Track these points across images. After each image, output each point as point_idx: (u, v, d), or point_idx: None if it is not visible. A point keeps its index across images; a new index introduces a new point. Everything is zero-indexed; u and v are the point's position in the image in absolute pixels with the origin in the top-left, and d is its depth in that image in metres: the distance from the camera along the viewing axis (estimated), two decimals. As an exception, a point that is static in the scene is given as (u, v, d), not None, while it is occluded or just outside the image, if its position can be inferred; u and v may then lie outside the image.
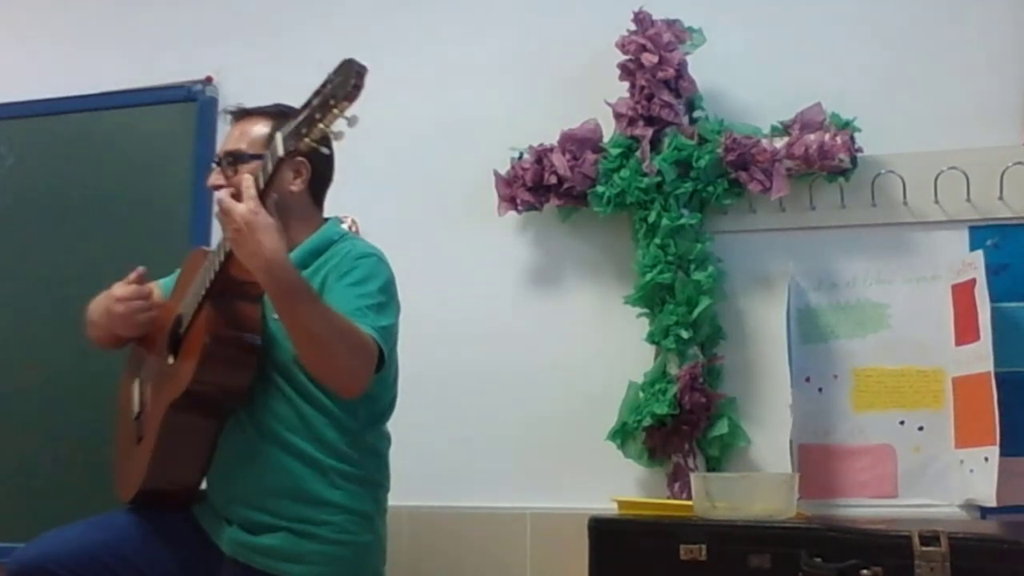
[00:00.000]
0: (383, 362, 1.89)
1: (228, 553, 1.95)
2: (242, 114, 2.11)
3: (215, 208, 1.84)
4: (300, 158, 1.95)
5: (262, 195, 1.80)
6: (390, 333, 1.94)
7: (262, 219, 1.77)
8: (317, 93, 1.69)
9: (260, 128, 2.05)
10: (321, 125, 1.67)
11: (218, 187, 2.00)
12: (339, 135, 1.70)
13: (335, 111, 1.65)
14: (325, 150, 1.76)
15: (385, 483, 2.07)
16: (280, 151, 1.75)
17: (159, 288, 2.20)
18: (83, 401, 2.82)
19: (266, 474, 1.94)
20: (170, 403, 1.92)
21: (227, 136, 2.11)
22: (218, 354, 1.89)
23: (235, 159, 2.03)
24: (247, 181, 1.81)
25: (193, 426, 1.96)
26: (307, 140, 1.70)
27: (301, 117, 1.70)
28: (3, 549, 2.17)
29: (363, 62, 1.65)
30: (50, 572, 1.88)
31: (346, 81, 1.64)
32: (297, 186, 2.04)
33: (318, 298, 1.83)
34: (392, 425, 2.10)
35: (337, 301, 1.87)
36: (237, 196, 1.80)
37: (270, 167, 1.78)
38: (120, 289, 2.03)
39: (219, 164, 2.07)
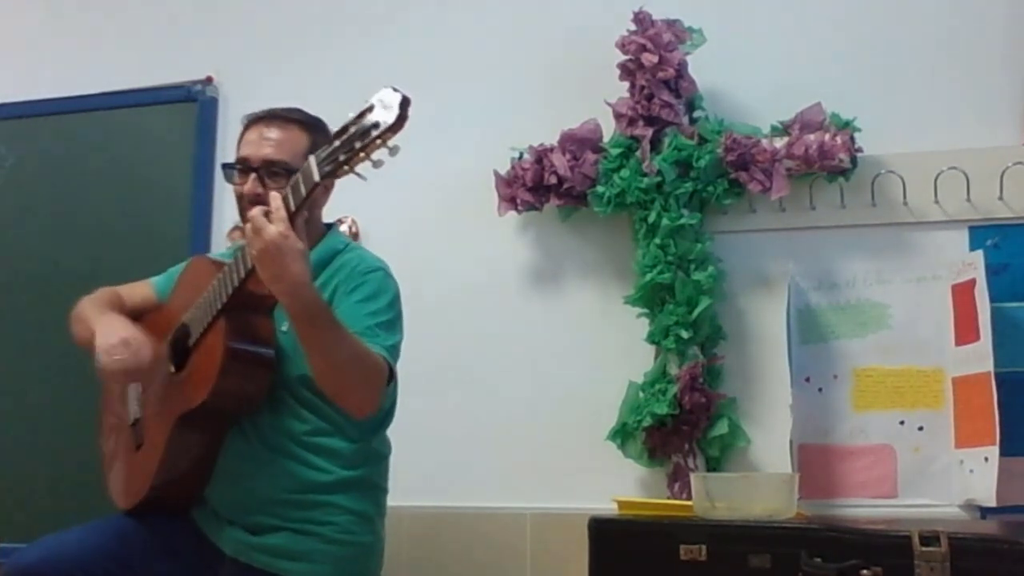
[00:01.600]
0: (391, 378, 1.91)
1: (229, 553, 1.95)
2: (272, 118, 2.03)
3: (248, 227, 1.77)
4: None
5: (292, 217, 1.75)
6: (398, 350, 1.96)
7: (291, 243, 1.72)
8: (356, 121, 1.65)
9: (303, 140, 2.00)
10: (363, 154, 1.64)
11: (257, 196, 1.93)
12: (379, 163, 1.66)
13: (378, 141, 1.63)
14: (364, 178, 1.71)
15: (385, 486, 2.08)
16: (316, 176, 1.70)
17: (152, 287, 2.18)
18: (83, 401, 2.81)
19: (271, 483, 1.94)
20: (181, 415, 1.91)
21: (256, 141, 2.01)
22: (236, 369, 1.88)
23: (287, 171, 1.93)
24: (276, 202, 1.76)
25: (202, 437, 1.96)
26: (346, 168, 1.67)
27: (338, 143, 1.66)
28: (3, 549, 2.17)
29: (404, 90, 1.63)
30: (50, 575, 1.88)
31: (390, 112, 1.61)
32: (321, 202, 2.03)
33: (338, 323, 1.81)
34: (393, 425, 2.09)
35: (347, 318, 1.86)
36: (266, 214, 1.75)
37: (303, 191, 1.74)
38: (134, 356, 1.93)
39: (255, 171, 1.98)
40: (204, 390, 1.87)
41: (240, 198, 1.99)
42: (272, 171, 1.97)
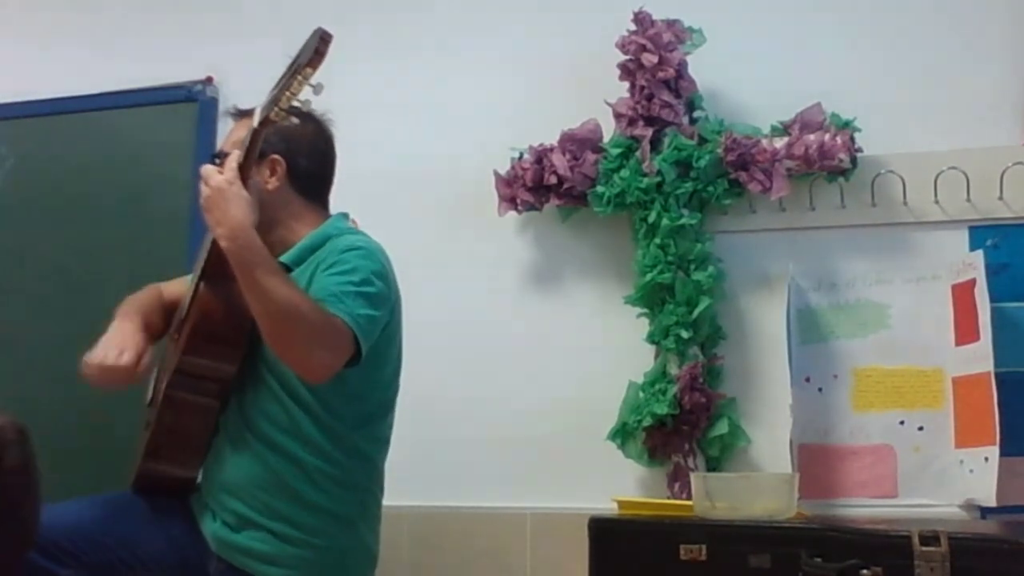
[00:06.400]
0: (360, 353, 1.85)
1: (213, 549, 1.95)
2: (244, 113, 2.09)
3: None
4: (275, 156, 2.00)
5: (243, 169, 1.85)
6: (371, 323, 1.87)
7: (235, 189, 1.83)
8: (289, 66, 1.74)
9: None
10: (288, 93, 1.73)
11: None
12: (306, 103, 1.75)
13: (299, 78, 1.71)
14: (295, 120, 1.80)
15: (373, 488, 2.03)
16: (255, 123, 1.81)
17: (186, 284, 2.20)
18: (86, 398, 2.81)
19: (249, 467, 1.93)
20: (167, 383, 1.94)
21: (228, 134, 2.13)
22: (206, 333, 1.91)
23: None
24: (232, 154, 1.87)
25: (187, 406, 1.95)
26: (277, 109, 1.75)
27: (276, 91, 1.76)
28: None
29: (328, 30, 1.72)
30: (44, 543, 1.83)
31: (309, 47, 1.69)
32: (272, 184, 2.00)
33: (280, 272, 1.84)
34: (392, 424, 2.09)
35: (317, 289, 1.87)
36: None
37: (247, 139, 1.84)
38: (102, 359, 1.96)
39: (215, 160, 2.04)
40: (177, 355, 1.91)
41: None
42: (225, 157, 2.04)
